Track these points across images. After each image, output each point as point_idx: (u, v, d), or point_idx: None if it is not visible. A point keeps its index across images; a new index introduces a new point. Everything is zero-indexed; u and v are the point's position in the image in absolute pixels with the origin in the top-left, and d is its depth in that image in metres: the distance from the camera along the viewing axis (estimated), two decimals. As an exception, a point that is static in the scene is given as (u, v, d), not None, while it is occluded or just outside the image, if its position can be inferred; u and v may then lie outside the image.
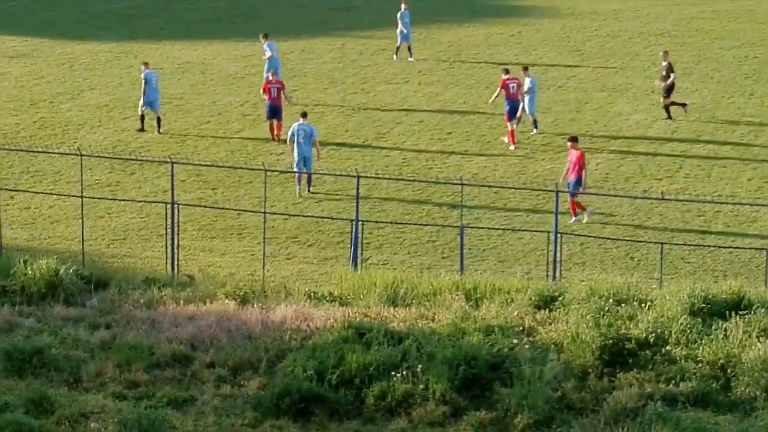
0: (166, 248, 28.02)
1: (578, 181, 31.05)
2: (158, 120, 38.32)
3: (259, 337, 23.17)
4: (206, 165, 32.83)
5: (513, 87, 37.23)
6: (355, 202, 28.32)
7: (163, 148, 36.86)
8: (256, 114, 40.51)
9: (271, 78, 38.26)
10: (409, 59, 47.94)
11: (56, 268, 25.38)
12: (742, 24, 56.53)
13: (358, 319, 23.49)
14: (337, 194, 32.88)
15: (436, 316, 23.84)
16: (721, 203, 31.56)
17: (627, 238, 29.62)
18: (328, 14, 58.47)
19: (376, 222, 30.45)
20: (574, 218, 30.80)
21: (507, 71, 37.98)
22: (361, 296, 25.05)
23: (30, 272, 25.36)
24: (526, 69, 38.39)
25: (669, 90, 40.01)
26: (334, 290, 25.58)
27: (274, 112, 37.50)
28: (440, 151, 36.91)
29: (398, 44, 48.37)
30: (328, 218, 30.72)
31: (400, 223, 30.72)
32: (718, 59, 49.07)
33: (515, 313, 23.74)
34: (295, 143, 32.91)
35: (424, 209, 32.01)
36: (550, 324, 23.39)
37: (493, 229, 30.28)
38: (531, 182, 33.68)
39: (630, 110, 41.42)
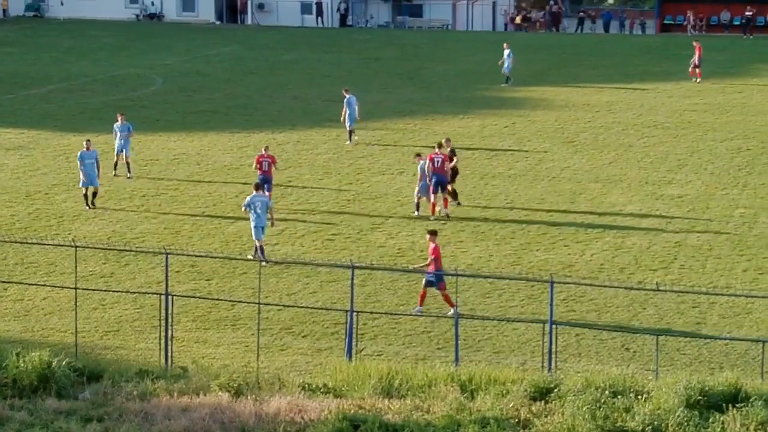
0: (160, 340, 27.88)
1: (439, 274, 30.45)
2: (94, 194, 40.53)
3: (252, 429, 22.97)
4: (201, 256, 32.80)
5: (438, 161, 39.17)
6: (350, 292, 28.22)
7: (157, 239, 36.88)
8: (251, 205, 40.56)
9: (263, 152, 40.21)
10: (347, 142, 49.78)
11: (49, 361, 25.18)
12: (734, 116, 56.94)
13: (352, 411, 23.31)
14: (332, 285, 32.84)
15: (431, 408, 23.66)
16: (717, 294, 31.49)
17: (622, 329, 29.52)
18: (322, 105, 58.85)
19: (371, 313, 30.36)
20: (417, 309, 30.59)
21: (439, 145, 40.32)
22: (356, 387, 24.88)
23: (22, 365, 25.16)
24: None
25: (451, 175, 40.28)
26: (329, 381, 25.41)
27: (266, 183, 39.33)
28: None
29: (348, 129, 50.11)
30: (322, 309, 30.63)
31: (395, 314, 30.63)
32: (711, 151, 49.35)
33: (511, 405, 23.57)
34: (253, 213, 34.63)
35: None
36: (546, 416, 23.21)
37: (488, 319, 30.19)
38: (526, 273, 33.65)
39: (624, 201, 41.53)
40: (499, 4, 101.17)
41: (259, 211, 34.67)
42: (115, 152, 44.34)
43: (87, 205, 40.29)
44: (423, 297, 30.79)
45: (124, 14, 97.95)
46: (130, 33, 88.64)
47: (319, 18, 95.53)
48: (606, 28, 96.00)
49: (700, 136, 52.34)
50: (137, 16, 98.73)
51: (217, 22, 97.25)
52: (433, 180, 39.02)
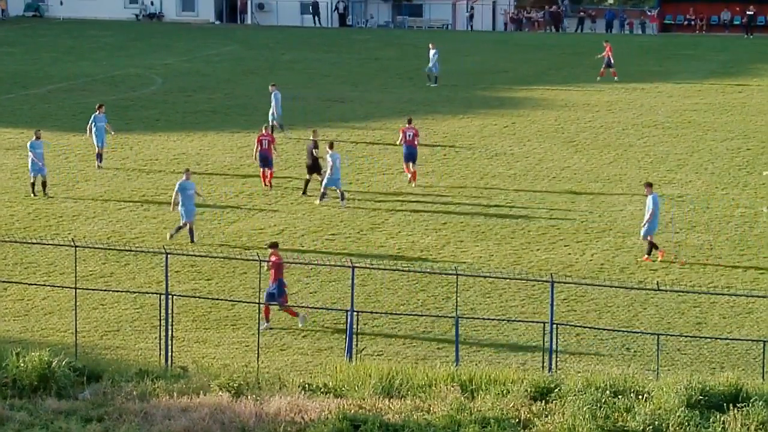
0: (160, 339, 27.86)
1: (280, 286, 29.77)
2: (44, 183, 41.83)
3: (252, 429, 22.96)
4: (201, 256, 32.76)
5: (409, 134, 42.58)
6: (350, 292, 28.20)
7: (157, 238, 36.85)
8: (251, 204, 40.57)
9: (263, 131, 43.02)
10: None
11: (49, 361, 25.17)
12: (734, 116, 56.91)
13: (352, 411, 23.30)
14: (332, 285, 32.81)
15: (431, 408, 23.65)
16: (717, 294, 31.48)
17: (623, 329, 29.49)
18: (322, 105, 58.81)
19: (371, 312, 30.34)
20: (266, 324, 29.79)
21: (409, 121, 43.49)
22: (356, 387, 24.86)
23: (22, 365, 25.15)
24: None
25: (312, 168, 41.54)
26: (329, 381, 25.40)
27: (265, 161, 42.39)
28: (435, 241, 36.90)
29: (272, 123, 50.51)
30: (322, 309, 30.61)
31: (395, 314, 30.60)
32: (712, 150, 49.33)
33: (511, 405, 23.55)
34: (181, 198, 36.54)
35: (419, 299, 31.91)
36: (547, 416, 23.20)
37: (489, 319, 30.17)
38: (526, 272, 33.62)
39: (624, 201, 41.50)
40: (499, 4, 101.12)
41: (182, 197, 36.49)
42: (96, 144, 45.59)
43: (33, 193, 41.56)
44: (267, 312, 29.91)
45: (123, 14, 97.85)
46: (129, 33, 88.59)
47: (316, 18, 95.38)
48: (608, 28, 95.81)
49: (700, 135, 52.31)
50: (137, 16, 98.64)
51: (217, 22, 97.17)
52: (405, 152, 42.65)
